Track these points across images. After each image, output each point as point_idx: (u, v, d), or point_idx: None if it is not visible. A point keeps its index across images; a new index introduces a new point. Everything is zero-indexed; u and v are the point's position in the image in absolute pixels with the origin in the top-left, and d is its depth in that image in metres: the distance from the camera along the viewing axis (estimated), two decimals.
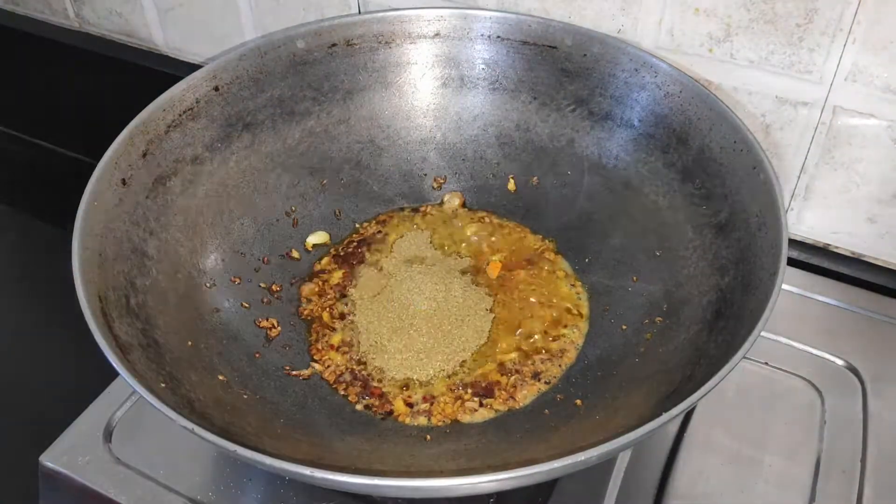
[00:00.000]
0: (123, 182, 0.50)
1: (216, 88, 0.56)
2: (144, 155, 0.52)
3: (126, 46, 0.83)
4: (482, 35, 0.61)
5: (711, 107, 0.53)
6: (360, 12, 0.67)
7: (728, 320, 0.46)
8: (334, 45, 0.60)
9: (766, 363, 0.54)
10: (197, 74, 0.56)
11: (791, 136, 0.57)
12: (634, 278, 0.55)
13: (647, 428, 0.37)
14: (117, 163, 0.50)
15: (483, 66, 0.62)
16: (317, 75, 0.60)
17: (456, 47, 0.61)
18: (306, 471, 0.36)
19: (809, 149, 0.57)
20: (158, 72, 0.80)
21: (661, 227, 0.55)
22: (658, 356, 0.49)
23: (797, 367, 0.54)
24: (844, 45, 0.51)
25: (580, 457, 0.36)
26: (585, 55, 0.58)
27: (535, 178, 0.62)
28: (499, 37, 0.60)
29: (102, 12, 0.82)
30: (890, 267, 0.59)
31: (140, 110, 0.53)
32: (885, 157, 0.55)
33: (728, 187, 0.51)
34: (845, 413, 0.51)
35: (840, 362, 0.54)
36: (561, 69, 0.59)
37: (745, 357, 0.40)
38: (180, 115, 0.54)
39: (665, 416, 0.37)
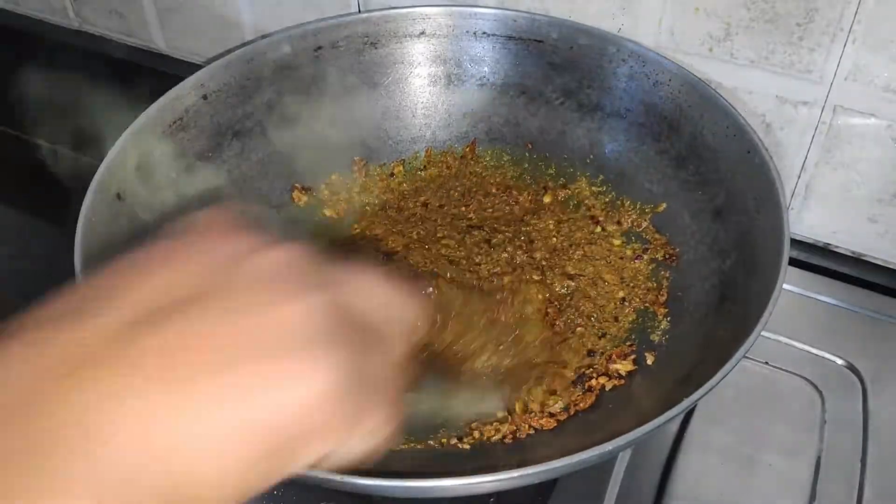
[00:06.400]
0: (119, 196, 0.50)
1: (204, 97, 0.56)
2: (138, 168, 0.52)
3: (126, 46, 0.83)
4: (467, 32, 0.61)
5: (702, 94, 0.53)
6: (359, 11, 0.67)
7: (734, 305, 0.46)
8: (320, 47, 0.60)
9: (766, 363, 0.54)
10: (184, 84, 0.55)
11: (791, 135, 0.57)
12: None
13: (646, 428, 0.37)
14: (111, 177, 0.49)
15: (470, 63, 0.62)
16: (304, 79, 0.60)
17: (442, 45, 0.61)
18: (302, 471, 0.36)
19: (810, 148, 0.57)
20: (158, 72, 0.80)
21: (658, 215, 0.56)
22: (664, 346, 0.50)
23: (797, 366, 0.54)
24: (845, 45, 0.51)
25: (580, 457, 0.36)
26: (572, 48, 0.58)
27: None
28: (484, 33, 0.60)
29: (102, 12, 0.82)
30: (890, 267, 0.59)
31: (140, 110, 0.53)
32: (886, 157, 0.54)
33: (723, 172, 0.51)
34: (845, 413, 0.51)
35: (840, 362, 0.54)
36: (548, 63, 0.60)
37: (745, 357, 0.40)
38: (170, 126, 0.54)
39: (665, 415, 0.37)
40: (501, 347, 0.48)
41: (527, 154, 0.62)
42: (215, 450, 0.22)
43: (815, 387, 0.53)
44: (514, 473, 0.35)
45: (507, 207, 0.59)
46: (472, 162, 0.63)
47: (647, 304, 0.53)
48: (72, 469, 0.20)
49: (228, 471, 0.23)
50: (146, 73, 0.81)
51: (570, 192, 0.60)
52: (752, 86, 0.56)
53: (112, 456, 0.21)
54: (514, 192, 0.60)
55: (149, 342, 0.22)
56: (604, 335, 0.51)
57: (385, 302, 0.28)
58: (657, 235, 0.55)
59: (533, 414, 0.47)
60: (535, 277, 0.54)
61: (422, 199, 0.61)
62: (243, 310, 0.23)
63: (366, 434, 0.26)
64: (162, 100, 0.54)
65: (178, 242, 0.26)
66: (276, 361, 0.23)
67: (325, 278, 0.26)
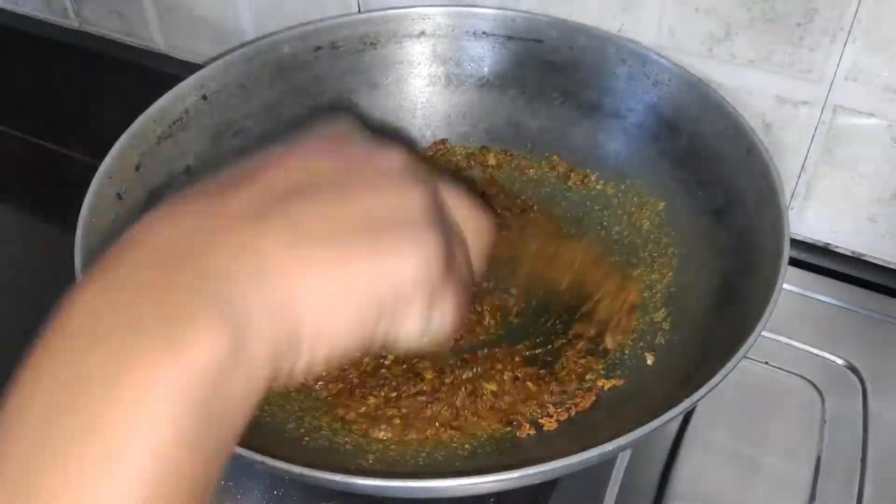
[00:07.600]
0: (119, 196, 0.50)
1: (204, 97, 0.56)
2: (137, 168, 0.51)
3: (126, 46, 0.83)
4: (467, 32, 0.61)
5: (702, 94, 0.53)
6: (359, 11, 0.67)
7: (734, 305, 0.46)
8: (319, 48, 0.60)
9: (767, 363, 0.54)
10: (184, 84, 0.55)
11: (791, 135, 0.57)
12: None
13: (646, 428, 0.37)
14: (111, 177, 0.49)
15: (470, 64, 0.62)
16: (304, 79, 0.60)
17: (441, 45, 0.61)
18: (300, 470, 0.36)
19: (810, 148, 0.57)
20: (158, 72, 0.80)
21: (658, 215, 0.56)
22: (664, 346, 0.50)
23: (797, 366, 0.54)
24: (845, 45, 0.51)
25: (580, 457, 0.36)
26: (571, 48, 0.58)
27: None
28: (484, 33, 0.60)
29: (102, 12, 0.82)
30: (890, 267, 0.59)
31: (140, 110, 0.53)
32: (886, 157, 0.54)
33: (723, 172, 0.51)
34: (845, 413, 0.51)
35: (840, 362, 0.54)
36: (548, 63, 0.60)
37: (745, 356, 0.40)
38: (170, 126, 0.54)
39: (665, 415, 0.37)
40: None
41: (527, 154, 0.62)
42: (327, 306, 0.26)
43: (815, 387, 0.53)
44: (514, 473, 0.35)
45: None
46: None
47: None
48: (211, 302, 0.24)
49: (333, 328, 0.26)
50: (146, 73, 0.81)
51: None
52: (752, 86, 0.56)
53: (242, 297, 0.24)
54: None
55: (282, 212, 0.26)
56: None
57: (471, 212, 0.32)
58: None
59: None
60: None
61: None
62: (364, 193, 0.28)
63: (433, 320, 0.29)
64: (162, 100, 0.54)
65: (307, 144, 0.30)
66: (385, 236, 0.27)
67: (429, 179, 0.30)
